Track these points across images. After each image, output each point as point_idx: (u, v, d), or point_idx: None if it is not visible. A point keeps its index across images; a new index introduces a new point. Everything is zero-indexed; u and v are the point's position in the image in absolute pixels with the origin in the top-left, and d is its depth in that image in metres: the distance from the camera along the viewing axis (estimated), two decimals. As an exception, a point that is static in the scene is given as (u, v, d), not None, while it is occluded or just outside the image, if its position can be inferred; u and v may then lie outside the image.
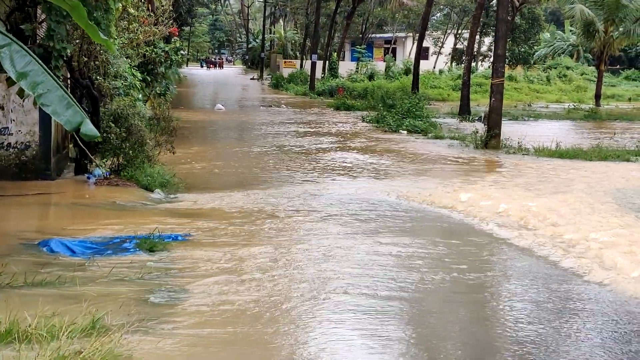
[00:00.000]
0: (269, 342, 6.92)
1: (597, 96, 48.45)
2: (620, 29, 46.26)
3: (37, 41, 12.60)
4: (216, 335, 6.97)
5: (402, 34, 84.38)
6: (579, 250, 10.71)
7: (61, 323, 6.27)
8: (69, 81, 14.88)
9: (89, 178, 14.49)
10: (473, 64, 56.36)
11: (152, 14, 22.50)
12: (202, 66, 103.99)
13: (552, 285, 9.18)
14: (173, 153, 16.79)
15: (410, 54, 74.79)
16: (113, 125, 14.61)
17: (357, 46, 71.31)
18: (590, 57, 73.53)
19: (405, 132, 28.57)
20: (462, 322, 7.87)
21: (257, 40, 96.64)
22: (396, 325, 7.55)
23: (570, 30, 77.74)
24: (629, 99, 57.00)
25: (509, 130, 27.10)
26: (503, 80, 25.34)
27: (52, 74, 6.72)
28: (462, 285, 9.07)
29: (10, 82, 7.18)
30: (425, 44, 52.34)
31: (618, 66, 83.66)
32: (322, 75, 60.05)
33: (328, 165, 19.39)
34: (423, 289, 8.80)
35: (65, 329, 6.15)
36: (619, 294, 8.83)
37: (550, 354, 6.90)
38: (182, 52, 30.37)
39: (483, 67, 72.84)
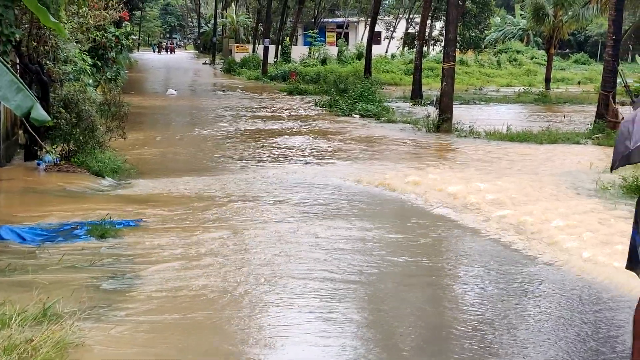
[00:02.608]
0: (223, 327, 6.91)
1: (547, 80, 48.99)
2: (570, 13, 46.74)
3: (-16, 26, 12.37)
4: (170, 321, 6.93)
5: (355, 19, 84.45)
6: (530, 232, 10.83)
7: (12, 311, 6.21)
8: (18, 66, 14.66)
9: (39, 164, 14.33)
10: (425, 49, 56.45)
11: (102, -2, 22.25)
12: (154, 51, 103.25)
13: (505, 267, 9.28)
14: (124, 139, 16.64)
15: (362, 38, 74.84)
16: (63, 110, 14.43)
17: (310, 31, 71.08)
18: (540, 41, 74.13)
19: (357, 116, 28.65)
20: (417, 305, 7.93)
21: (209, 24, 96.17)
22: (351, 309, 7.58)
23: (521, 15, 78.28)
24: (578, 82, 57.70)
25: (461, 113, 27.30)
26: (454, 65, 25.53)
27: (0, 59, 6.61)
28: (416, 268, 9.14)
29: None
30: (377, 28, 52.31)
31: (567, 50, 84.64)
32: (275, 60, 59.86)
33: (280, 150, 19.37)
34: (378, 272, 8.84)
35: (16, 316, 6.10)
36: (570, 276, 8.96)
37: (502, 335, 6.98)
38: (133, 36, 30.13)
39: (435, 51, 73.09)
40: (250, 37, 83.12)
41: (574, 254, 9.70)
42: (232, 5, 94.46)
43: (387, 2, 79.56)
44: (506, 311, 7.63)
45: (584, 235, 10.48)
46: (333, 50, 65.73)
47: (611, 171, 5.59)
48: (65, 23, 16.15)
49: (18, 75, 8.53)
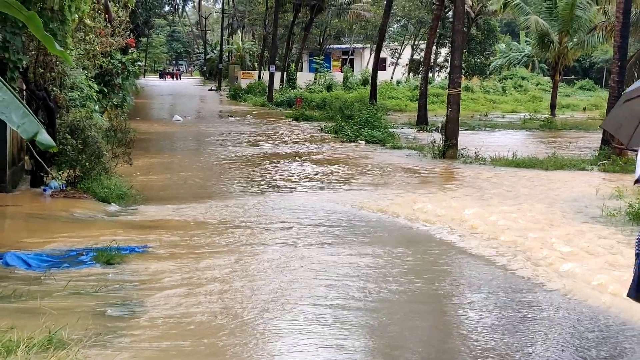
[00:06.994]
0: (229, 354, 6.89)
1: (552, 106, 48.97)
2: (575, 40, 46.82)
3: (-8, 53, 12.44)
4: (175, 347, 6.91)
5: (360, 45, 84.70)
6: (536, 258, 10.81)
7: (18, 337, 6.20)
8: (24, 93, 14.72)
9: (45, 190, 14.34)
10: (430, 75, 56.72)
11: (108, 25, 22.39)
12: (160, 77, 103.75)
13: (511, 294, 9.25)
14: (130, 165, 16.67)
15: (367, 64, 75.15)
16: (69, 137, 14.47)
17: (315, 57, 71.45)
18: (545, 67, 74.45)
19: (363, 142, 28.69)
20: (422, 332, 7.90)
21: (215, 51, 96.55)
22: (356, 335, 7.56)
23: (526, 41, 78.64)
24: (584, 109, 57.75)
25: (466, 140, 27.32)
26: (459, 91, 25.51)
27: (7, 85, 6.64)
28: (421, 295, 9.11)
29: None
30: (382, 54, 52.51)
31: (572, 76, 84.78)
32: (281, 86, 60.00)
33: (286, 176, 19.38)
34: (383, 298, 8.81)
35: (22, 343, 6.08)
36: (577, 302, 8.92)
37: (509, 362, 6.95)
38: (139, 63, 30.26)
39: (440, 77, 73.31)
40: (256, 64, 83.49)
41: (581, 280, 9.67)
42: (238, 32, 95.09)
43: (392, 29, 79.87)
44: (514, 339, 7.59)
45: (590, 262, 10.46)
46: (339, 77, 65.88)
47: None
48: (72, 50, 16.24)
49: (25, 102, 8.59)
